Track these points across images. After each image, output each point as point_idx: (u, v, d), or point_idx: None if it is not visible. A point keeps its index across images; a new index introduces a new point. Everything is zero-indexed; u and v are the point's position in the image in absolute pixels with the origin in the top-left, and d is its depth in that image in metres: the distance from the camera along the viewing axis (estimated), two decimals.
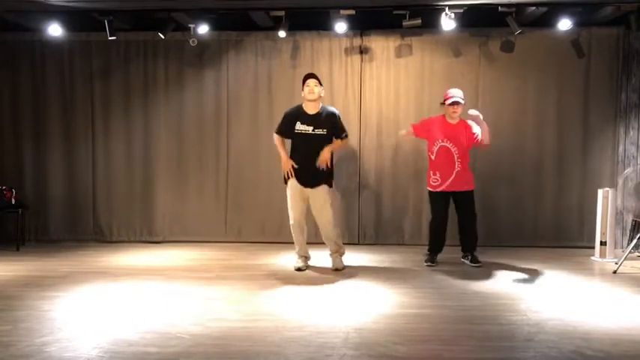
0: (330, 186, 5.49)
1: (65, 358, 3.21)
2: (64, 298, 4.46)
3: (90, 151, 7.06)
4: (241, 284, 4.94)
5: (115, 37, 6.37)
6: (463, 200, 5.66)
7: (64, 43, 6.89)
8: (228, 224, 7.06)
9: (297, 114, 5.39)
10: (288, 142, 5.57)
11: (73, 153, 7.07)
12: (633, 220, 6.36)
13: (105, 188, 7.08)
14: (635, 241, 5.76)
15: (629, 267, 5.62)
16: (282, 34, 6.44)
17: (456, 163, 5.58)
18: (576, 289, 4.84)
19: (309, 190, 5.38)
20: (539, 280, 5.15)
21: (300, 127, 5.33)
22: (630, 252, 5.72)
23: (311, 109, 5.36)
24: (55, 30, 6.42)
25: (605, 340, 3.52)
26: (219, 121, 6.99)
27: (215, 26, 6.65)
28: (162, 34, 6.51)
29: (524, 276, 5.31)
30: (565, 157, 6.75)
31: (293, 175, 5.36)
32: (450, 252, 5.91)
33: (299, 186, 5.38)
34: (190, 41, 6.56)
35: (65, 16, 6.32)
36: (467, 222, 5.70)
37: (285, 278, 5.18)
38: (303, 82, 5.38)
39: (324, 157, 5.29)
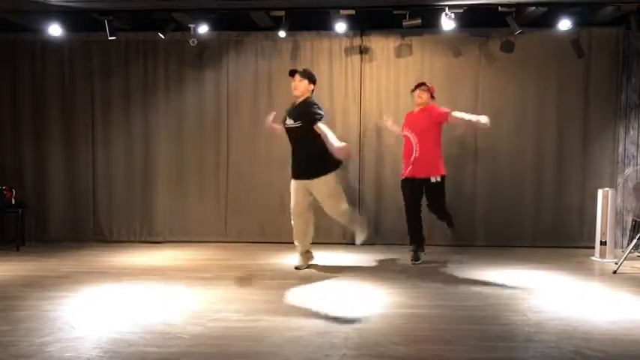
0: (328, 172, 5.21)
1: (65, 358, 3.21)
2: (64, 298, 4.45)
3: (90, 150, 7.06)
4: (241, 284, 4.93)
5: (115, 37, 6.38)
6: (429, 190, 5.67)
7: (64, 43, 6.89)
8: (228, 224, 7.06)
9: (288, 109, 5.37)
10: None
11: (73, 153, 7.07)
12: (633, 220, 6.36)
13: (105, 188, 7.08)
14: (635, 241, 5.75)
15: (629, 267, 5.61)
16: (282, 34, 6.44)
17: (414, 150, 5.63)
18: (576, 289, 4.84)
19: (307, 182, 5.32)
20: (539, 280, 5.14)
21: (287, 122, 5.31)
22: (630, 252, 5.72)
23: (297, 102, 5.35)
24: (55, 30, 6.43)
25: (605, 340, 3.52)
26: (219, 121, 6.99)
27: (215, 26, 6.66)
28: (163, 34, 6.51)
29: (524, 276, 5.30)
30: (565, 157, 6.75)
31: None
32: (449, 252, 5.91)
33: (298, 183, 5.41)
34: (190, 41, 6.56)
35: (65, 16, 6.32)
36: (434, 209, 5.72)
37: (285, 278, 5.18)
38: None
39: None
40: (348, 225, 5.63)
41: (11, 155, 7.10)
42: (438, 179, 5.61)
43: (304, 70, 5.37)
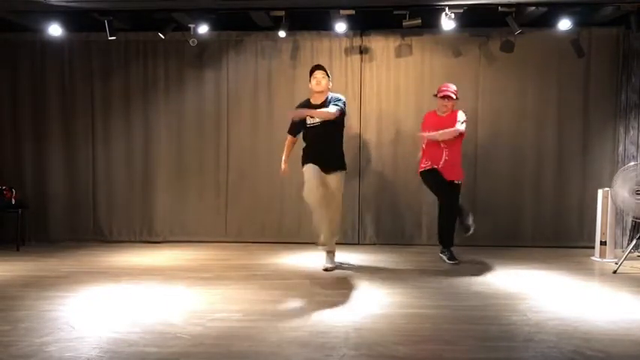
0: (344, 169, 5.45)
1: (65, 358, 3.21)
2: (64, 298, 4.45)
3: (90, 150, 7.07)
4: (241, 284, 4.93)
5: (114, 37, 6.38)
6: (451, 189, 5.71)
7: (64, 43, 6.90)
8: (228, 224, 7.06)
9: (305, 107, 5.36)
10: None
11: (73, 153, 7.08)
12: (633, 220, 6.36)
13: (105, 188, 7.09)
14: (635, 241, 5.76)
15: (629, 267, 5.62)
16: (282, 34, 6.45)
17: (443, 154, 5.65)
18: (576, 289, 4.83)
19: (332, 175, 5.33)
20: (539, 280, 5.14)
21: (310, 120, 5.30)
22: (630, 252, 5.72)
23: (317, 99, 5.36)
24: (55, 30, 6.43)
25: (605, 340, 3.52)
26: (219, 121, 6.99)
27: (215, 26, 6.66)
28: (163, 34, 6.52)
29: (524, 276, 5.31)
30: (565, 157, 6.75)
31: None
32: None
33: (318, 167, 5.25)
34: (190, 41, 6.56)
35: (65, 16, 6.32)
36: (446, 212, 5.72)
37: (284, 278, 5.18)
38: (310, 73, 5.38)
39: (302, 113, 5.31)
40: (332, 232, 5.39)
41: (11, 155, 7.11)
42: (460, 182, 5.81)
43: (324, 67, 5.42)
